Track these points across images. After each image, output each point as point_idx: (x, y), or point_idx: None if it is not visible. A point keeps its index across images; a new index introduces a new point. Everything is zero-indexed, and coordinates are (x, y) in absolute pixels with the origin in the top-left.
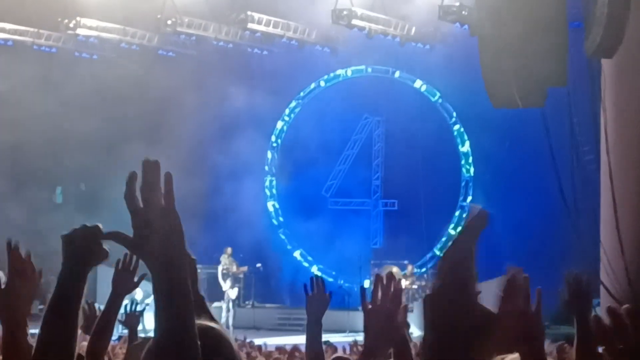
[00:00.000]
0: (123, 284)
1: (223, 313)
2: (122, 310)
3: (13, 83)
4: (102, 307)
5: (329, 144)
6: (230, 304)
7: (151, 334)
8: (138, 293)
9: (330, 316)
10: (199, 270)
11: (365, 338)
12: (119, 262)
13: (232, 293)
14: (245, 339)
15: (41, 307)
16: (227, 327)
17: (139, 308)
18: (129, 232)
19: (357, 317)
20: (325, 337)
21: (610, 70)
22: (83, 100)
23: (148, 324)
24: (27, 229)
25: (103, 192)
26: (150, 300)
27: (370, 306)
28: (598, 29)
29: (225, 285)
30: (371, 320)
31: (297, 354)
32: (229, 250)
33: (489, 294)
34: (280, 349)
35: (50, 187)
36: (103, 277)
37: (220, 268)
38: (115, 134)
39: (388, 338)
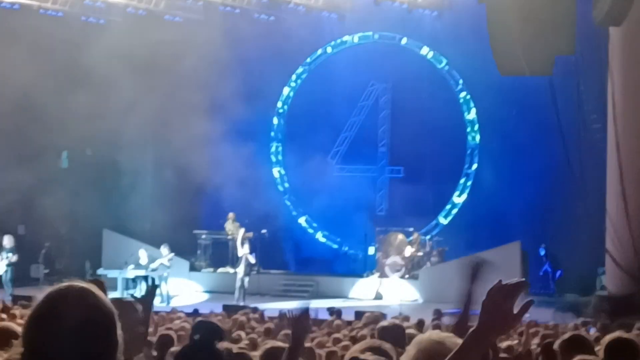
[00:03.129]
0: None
1: (239, 276)
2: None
3: (19, 47)
4: (106, 272)
5: (335, 111)
6: (249, 269)
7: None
8: (142, 258)
9: (334, 282)
10: (204, 236)
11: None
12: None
13: (251, 258)
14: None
15: (46, 270)
16: (243, 289)
17: (143, 273)
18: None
19: (361, 284)
20: (330, 302)
21: (618, 39)
22: (90, 65)
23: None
24: (34, 193)
25: (108, 157)
26: (156, 265)
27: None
28: None
29: (243, 250)
30: (490, 303)
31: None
32: (232, 215)
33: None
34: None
35: (57, 151)
36: (108, 243)
37: (240, 233)
38: (122, 99)
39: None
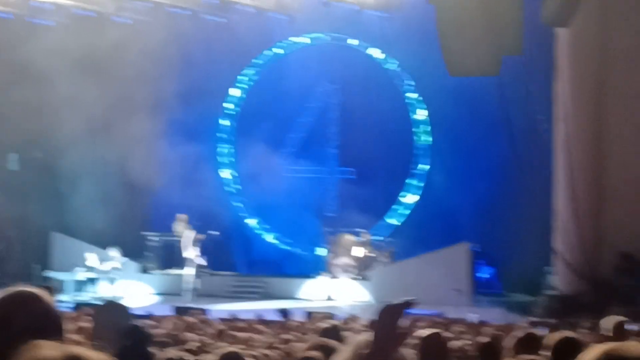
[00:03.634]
0: None
1: (190, 279)
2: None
3: None
4: (55, 275)
5: (285, 112)
6: (198, 271)
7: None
8: (92, 260)
9: (284, 284)
10: (153, 238)
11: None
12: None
13: (201, 260)
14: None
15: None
16: (193, 291)
17: (92, 275)
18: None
19: (311, 285)
20: (279, 304)
21: (565, 39)
22: (37, 66)
23: (102, 291)
24: None
25: (57, 159)
26: (106, 267)
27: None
28: None
29: (192, 252)
30: (383, 319)
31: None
32: (183, 217)
33: (438, 263)
34: (234, 317)
35: (4, 154)
36: (57, 245)
37: (192, 236)
38: (71, 100)
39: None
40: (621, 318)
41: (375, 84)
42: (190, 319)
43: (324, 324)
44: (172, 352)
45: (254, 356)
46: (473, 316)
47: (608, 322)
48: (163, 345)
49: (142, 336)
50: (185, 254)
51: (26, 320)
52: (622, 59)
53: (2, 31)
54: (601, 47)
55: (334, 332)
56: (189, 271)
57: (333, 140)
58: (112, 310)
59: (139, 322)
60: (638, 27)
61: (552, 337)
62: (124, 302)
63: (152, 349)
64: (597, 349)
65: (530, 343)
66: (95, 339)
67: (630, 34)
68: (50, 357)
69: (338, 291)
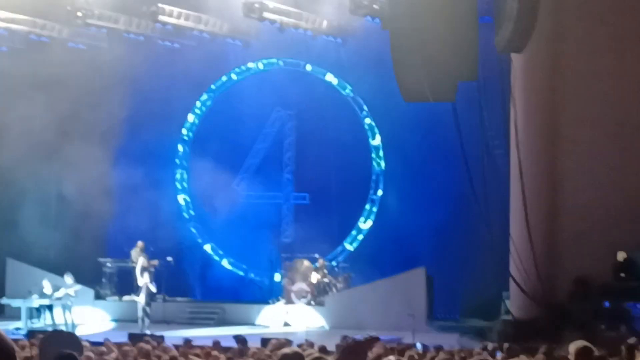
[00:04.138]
0: None
1: (141, 306)
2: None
3: None
4: (9, 301)
5: (240, 137)
6: (149, 298)
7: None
8: (46, 287)
9: (240, 310)
10: (108, 264)
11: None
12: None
13: (152, 287)
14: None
15: None
16: (146, 318)
17: (47, 302)
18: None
19: (267, 311)
20: (235, 330)
21: (520, 65)
22: None
23: (57, 318)
24: None
25: (11, 185)
26: (60, 294)
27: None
28: (508, 24)
29: (143, 279)
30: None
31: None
32: (141, 244)
33: (394, 289)
34: (188, 342)
35: None
36: (11, 272)
37: (140, 262)
38: (27, 125)
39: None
40: (586, 344)
41: (331, 109)
42: (145, 346)
43: (286, 350)
44: None
45: None
46: (418, 345)
47: (574, 348)
48: None
49: None
50: (138, 281)
51: None
52: (576, 84)
53: None
54: (554, 73)
55: (295, 359)
56: (142, 298)
57: (288, 165)
58: (60, 338)
59: (71, 351)
60: (591, 52)
61: None
62: (74, 331)
63: None
64: None
65: None
66: None
67: (583, 59)
68: None
69: (294, 317)
